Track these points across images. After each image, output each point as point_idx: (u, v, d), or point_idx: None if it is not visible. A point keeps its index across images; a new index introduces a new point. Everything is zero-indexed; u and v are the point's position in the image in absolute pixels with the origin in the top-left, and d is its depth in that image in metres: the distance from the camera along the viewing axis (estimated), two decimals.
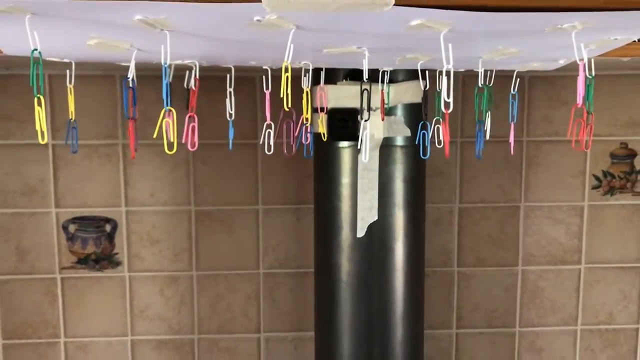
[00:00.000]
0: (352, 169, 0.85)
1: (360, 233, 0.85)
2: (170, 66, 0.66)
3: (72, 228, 1.09)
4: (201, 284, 1.12)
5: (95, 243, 1.10)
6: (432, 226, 1.13)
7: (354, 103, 0.78)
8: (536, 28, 0.47)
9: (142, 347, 1.13)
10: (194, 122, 0.51)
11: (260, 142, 0.59)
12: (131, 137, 0.49)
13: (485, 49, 0.57)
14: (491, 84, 0.68)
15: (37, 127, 0.42)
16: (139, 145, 1.08)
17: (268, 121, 0.58)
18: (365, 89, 0.59)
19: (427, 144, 0.66)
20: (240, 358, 1.15)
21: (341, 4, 0.39)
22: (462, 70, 0.74)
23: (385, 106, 0.71)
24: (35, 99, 0.42)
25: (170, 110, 0.43)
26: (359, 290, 0.88)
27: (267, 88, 0.60)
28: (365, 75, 0.52)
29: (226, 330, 1.14)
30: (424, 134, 0.67)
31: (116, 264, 1.11)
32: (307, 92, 0.57)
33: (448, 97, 0.47)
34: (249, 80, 1.06)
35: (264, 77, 0.62)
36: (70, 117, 0.53)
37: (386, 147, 0.84)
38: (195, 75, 0.54)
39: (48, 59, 0.56)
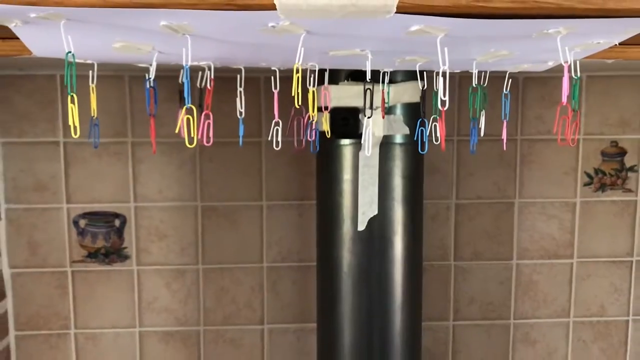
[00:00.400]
0: (353, 165, 0.86)
1: (361, 227, 0.87)
2: (184, 67, 0.69)
3: (82, 223, 1.11)
4: (207, 277, 1.14)
5: (104, 237, 1.12)
6: (429, 221, 1.14)
7: (355, 102, 0.79)
8: (525, 33, 0.50)
9: (150, 338, 1.15)
10: (209, 119, 0.55)
11: (269, 139, 0.63)
12: (152, 133, 0.53)
13: (479, 51, 0.59)
14: (485, 84, 0.70)
15: (70, 123, 0.46)
16: (148, 143, 1.10)
17: (276, 119, 0.62)
18: (369, 89, 0.62)
19: (425, 139, 0.70)
20: (245, 349, 1.16)
21: (348, 12, 0.42)
22: (458, 71, 0.76)
23: (385, 105, 0.73)
24: (69, 97, 0.45)
25: (191, 108, 0.47)
26: (359, 281, 0.89)
27: (275, 87, 0.63)
28: (368, 76, 0.56)
29: (231, 322, 1.16)
30: (422, 130, 0.70)
31: (125, 257, 1.13)
32: (313, 91, 0.61)
33: (444, 95, 0.51)
34: (254, 80, 1.08)
35: (272, 77, 0.65)
36: (92, 115, 0.57)
37: (386, 144, 0.85)
38: (210, 76, 0.58)
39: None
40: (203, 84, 0.65)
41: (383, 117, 0.76)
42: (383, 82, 0.72)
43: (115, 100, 1.09)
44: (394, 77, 0.81)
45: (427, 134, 0.69)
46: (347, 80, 0.82)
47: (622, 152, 1.17)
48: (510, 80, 0.71)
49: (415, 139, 0.72)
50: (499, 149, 1.14)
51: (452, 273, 1.18)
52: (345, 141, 0.86)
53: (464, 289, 1.19)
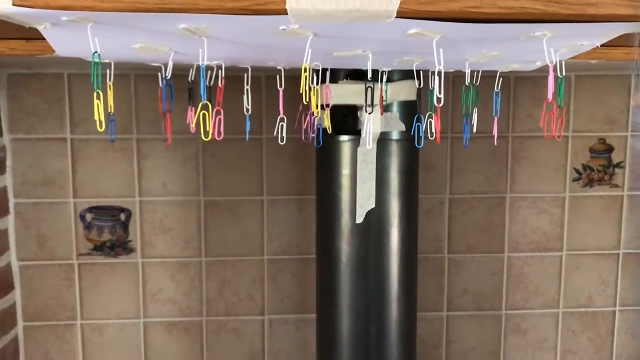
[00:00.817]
0: (351, 161, 0.88)
1: (359, 219, 0.88)
2: (193, 66, 0.73)
3: (88, 217, 1.13)
4: (209, 269, 1.16)
5: (110, 231, 1.14)
6: (424, 215, 1.16)
7: (354, 100, 0.81)
8: (513, 36, 0.54)
9: (154, 329, 1.17)
10: (221, 115, 0.59)
11: (275, 134, 0.66)
12: (168, 128, 0.56)
13: (471, 52, 0.62)
14: (477, 83, 0.73)
15: (96, 117, 0.49)
16: (152, 140, 1.12)
17: (281, 115, 0.65)
18: (369, 87, 0.66)
19: (422, 134, 0.73)
20: (246, 338, 1.18)
21: (353, 16, 0.46)
22: (452, 70, 0.79)
23: (383, 103, 0.77)
24: (95, 93, 0.49)
25: (206, 104, 0.51)
26: (357, 272, 0.91)
27: (280, 86, 0.67)
28: (369, 75, 0.59)
29: (233, 313, 1.17)
30: (418, 125, 0.73)
31: (130, 250, 1.14)
32: (316, 89, 0.65)
33: (439, 93, 0.55)
34: (255, 79, 1.09)
35: (277, 76, 0.69)
36: (109, 111, 0.60)
37: (383, 140, 0.86)
38: (222, 74, 0.61)
39: (89, 59, 0.63)
40: (212, 82, 0.69)
41: (381, 114, 0.79)
42: (381, 80, 0.74)
43: (121, 98, 1.10)
44: (391, 76, 0.82)
45: (423, 129, 0.73)
46: (346, 79, 0.84)
47: (610, 149, 1.19)
48: (501, 79, 0.73)
49: (412, 133, 0.75)
50: (491, 146, 1.16)
51: (446, 265, 1.20)
52: (344, 137, 0.88)
53: (457, 281, 1.20)
